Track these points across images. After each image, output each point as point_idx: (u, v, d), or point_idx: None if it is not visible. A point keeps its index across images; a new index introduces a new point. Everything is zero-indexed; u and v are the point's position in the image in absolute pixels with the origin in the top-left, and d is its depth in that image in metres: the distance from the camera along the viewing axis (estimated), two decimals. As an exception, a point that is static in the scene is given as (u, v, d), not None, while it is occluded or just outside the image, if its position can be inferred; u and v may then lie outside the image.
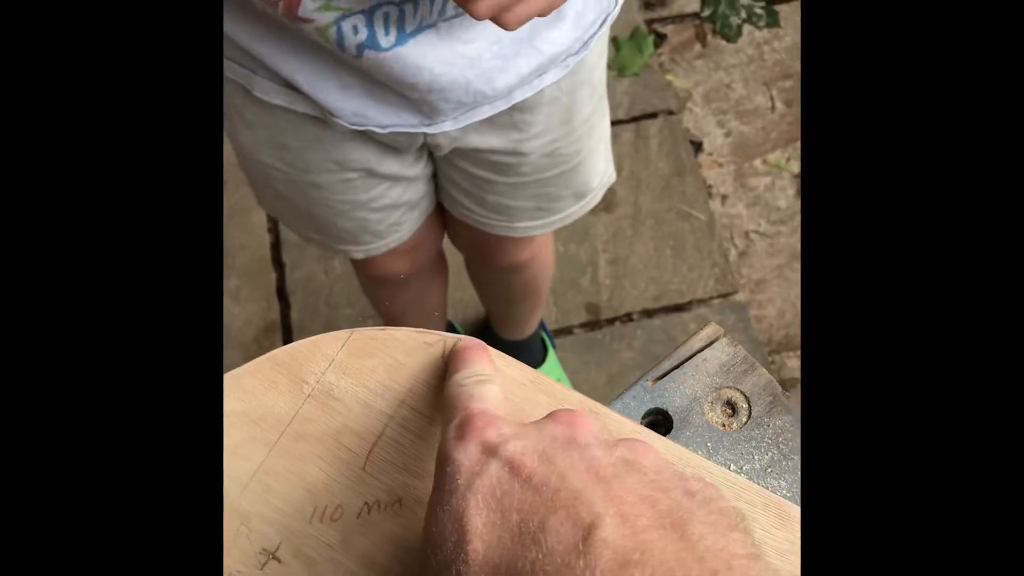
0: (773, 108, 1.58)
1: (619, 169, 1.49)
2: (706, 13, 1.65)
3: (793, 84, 1.59)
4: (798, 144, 1.54)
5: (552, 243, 1.03)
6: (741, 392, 0.42)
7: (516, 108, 0.68)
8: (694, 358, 0.44)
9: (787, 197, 1.50)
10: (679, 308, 1.39)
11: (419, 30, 0.59)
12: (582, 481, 0.28)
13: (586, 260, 1.41)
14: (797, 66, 1.61)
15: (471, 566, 0.27)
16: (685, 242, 1.44)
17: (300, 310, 1.37)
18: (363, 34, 0.57)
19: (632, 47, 1.59)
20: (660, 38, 1.63)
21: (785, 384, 1.35)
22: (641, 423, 0.43)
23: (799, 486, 0.41)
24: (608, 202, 1.46)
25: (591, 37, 0.67)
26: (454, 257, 1.06)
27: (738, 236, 1.46)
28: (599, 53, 0.72)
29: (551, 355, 1.28)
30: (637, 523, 0.26)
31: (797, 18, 1.66)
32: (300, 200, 0.78)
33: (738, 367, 0.43)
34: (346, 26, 0.57)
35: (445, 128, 0.67)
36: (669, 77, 1.59)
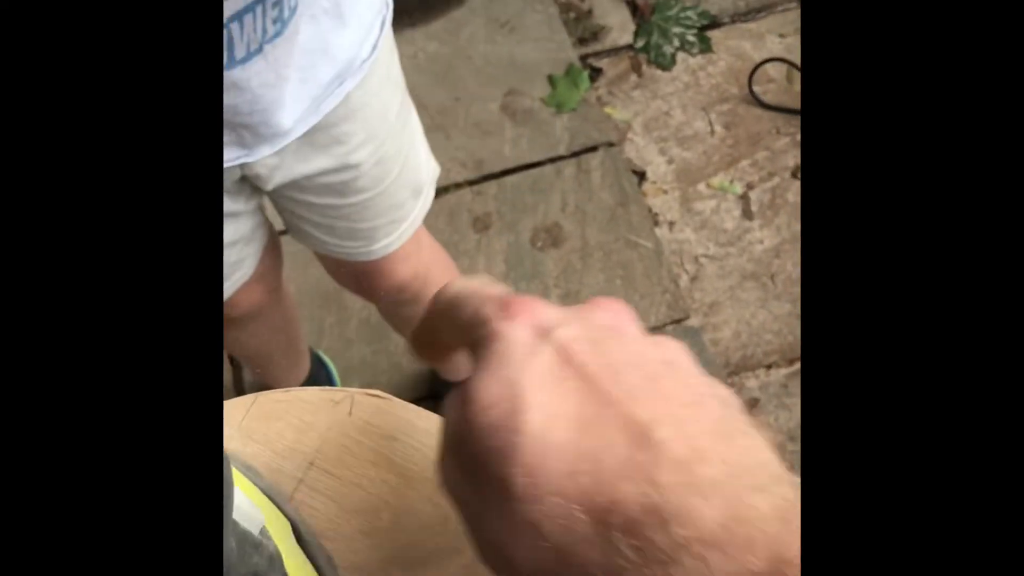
0: (713, 132, 1.60)
1: (564, 204, 1.49)
2: (639, 44, 1.68)
3: (730, 107, 1.62)
4: (740, 165, 1.56)
5: (442, 255, 1.03)
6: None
7: (331, 123, 0.71)
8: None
9: (733, 219, 1.51)
10: (634, 337, 1.39)
11: (248, 56, 0.61)
12: (634, 378, 0.26)
13: (539, 297, 1.41)
14: (733, 89, 1.63)
15: (526, 436, 0.24)
16: (634, 271, 1.44)
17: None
18: None
19: (568, 83, 1.60)
20: (596, 72, 1.64)
21: (746, 405, 1.35)
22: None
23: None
24: (555, 237, 1.47)
25: (377, 40, 0.71)
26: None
27: (688, 261, 1.47)
28: (389, 51, 0.77)
29: None
30: (688, 429, 0.24)
31: (729, 42, 1.68)
32: None
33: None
34: None
35: (263, 154, 0.69)
36: (607, 110, 1.60)
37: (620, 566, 0.23)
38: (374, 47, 0.71)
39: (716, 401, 0.26)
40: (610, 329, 0.28)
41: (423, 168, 0.87)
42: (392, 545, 0.37)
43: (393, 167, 0.81)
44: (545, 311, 0.28)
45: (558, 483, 0.24)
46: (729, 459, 0.24)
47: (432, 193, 0.90)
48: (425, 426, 0.40)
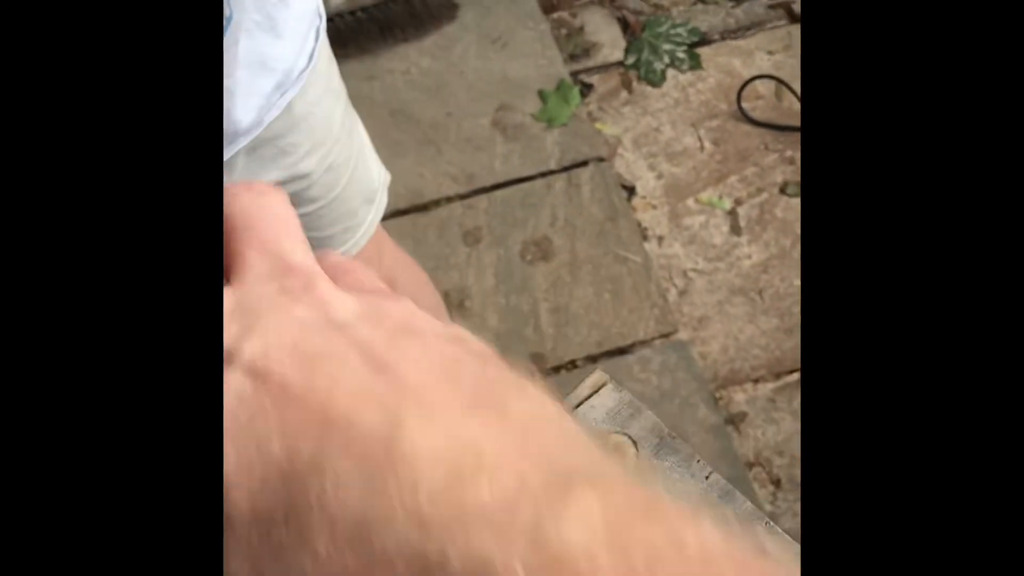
0: (702, 148, 1.61)
1: (554, 218, 1.51)
2: (630, 61, 1.69)
3: (719, 123, 1.63)
4: (729, 181, 1.57)
5: (407, 262, 1.04)
6: (628, 436, 0.43)
7: (276, 134, 0.73)
8: (581, 406, 0.44)
9: (722, 234, 1.52)
10: (622, 351, 1.40)
11: None
12: (358, 376, 0.21)
13: (528, 310, 1.42)
14: (722, 106, 1.65)
15: (237, 527, 0.20)
16: (623, 285, 1.45)
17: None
18: None
19: (558, 98, 1.62)
20: (586, 88, 1.66)
21: (734, 419, 1.36)
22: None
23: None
24: (545, 251, 1.48)
25: (313, 49, 0.73)
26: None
27: (677, 276, 1.48)
28: (327, 60, 0.78)
29: None
30: (448, 415, 0.20)
31: (719, 59, 1.70)
32: None
33: (624, 411, 0.44)
34: None
35: None
36: (598, 125, 1.62)
37: None
38: (311, 57, 0.73)
39: (469, 358, 0.22)
40: (316, 321, 0.22)
41: (374, 174, 0.89)
42: None
43: (343, 174, 0.82)
44: (227, 320, 0.22)
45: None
46: (507, 442, 0.19)
47: (385, 199, 0.91)
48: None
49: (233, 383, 0.21)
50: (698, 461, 0.42)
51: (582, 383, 0.45)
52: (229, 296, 0.23)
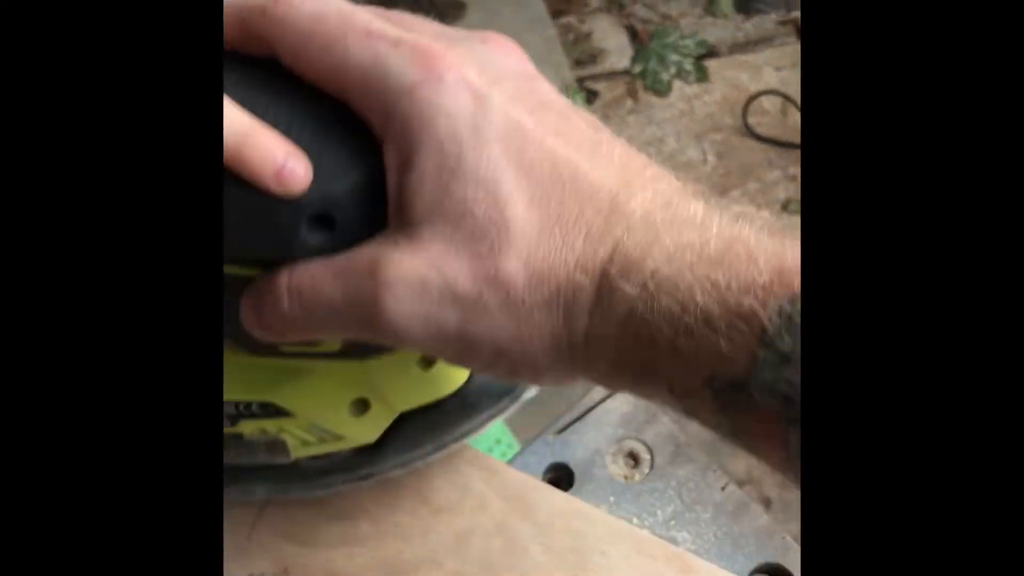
0: (705, 161, 1.61)
1: (555, 224, 1.49)
2: (637, 69, 1.69)
3: (723, 137, 1.62)
4: (731, 195, 1.57)
5: None
6: (643, 443, 0.42)
7: None
8: (595, 409, 0.43)
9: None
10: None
11: None
12: (572, 135, 0.27)
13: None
14: (727, 119, 1.64)
15: (513, 227, 0.24)
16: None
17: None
18: None
19: (564, 104, 1.61)
20: (592, 95, 1.65)
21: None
22: (543, 479, 0.42)
23: (702, 538, 0.40)
24: (544, 257, 1.46)
25: None
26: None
27: (675, 287, 1.47)
28: None
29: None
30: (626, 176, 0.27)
31: (725, 72, 1.70)
32: None
33: (639, 417, 0.42)
34: None
35: None
36: (602, 132, 1.61)
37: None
38: None
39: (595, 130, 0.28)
40: (521, 77, 0.27)
41: None
42: (370, 555, 0.37)
43: None
44: (465, 65, 0.25)
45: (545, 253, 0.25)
46: (655, 188, 0.27)
47: None
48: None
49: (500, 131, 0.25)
50: (714, 471, 0.41)
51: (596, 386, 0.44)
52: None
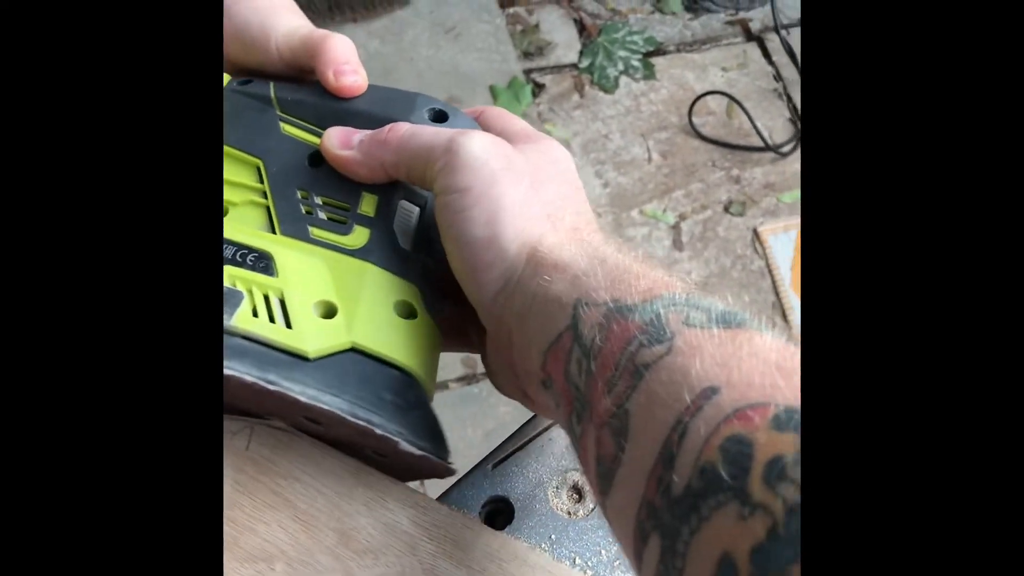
0: (650, 159, 1.59)
1: (497, 219, 1.46)
2: (584, 64, 1.66)
3: (669, 136, 1.61)
4: (674, 195, 1.55)
5: None
6: (588, 476, 0.39)
7: None
8: (538, 438, 0.40)
9: (664, 248, 1.50)
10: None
11: None
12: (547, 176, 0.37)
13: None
14: (673, 118, 1.63)
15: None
16: (563, 293, 1.42)
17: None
18: None
19: (510, 95, 1.58)
20: (538, 87, 1.62)
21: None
22: (481, 512, 0.38)
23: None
24: (485, 252, 1.43)
25: None
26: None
27: (616, 287, 1.45)
28: None
29: None
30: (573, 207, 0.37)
31: (673, 71, 1.68)
32: None
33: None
34: None
35: None
36: (547, 127, 1.58)
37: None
38: None
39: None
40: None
41: None
42: (284, 600, 0.33)
43: None
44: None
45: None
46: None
47: None
48: (331, 466, 0.36)
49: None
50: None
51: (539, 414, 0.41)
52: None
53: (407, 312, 0.36)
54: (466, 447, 1.24)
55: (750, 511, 0.21)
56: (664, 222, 1.53)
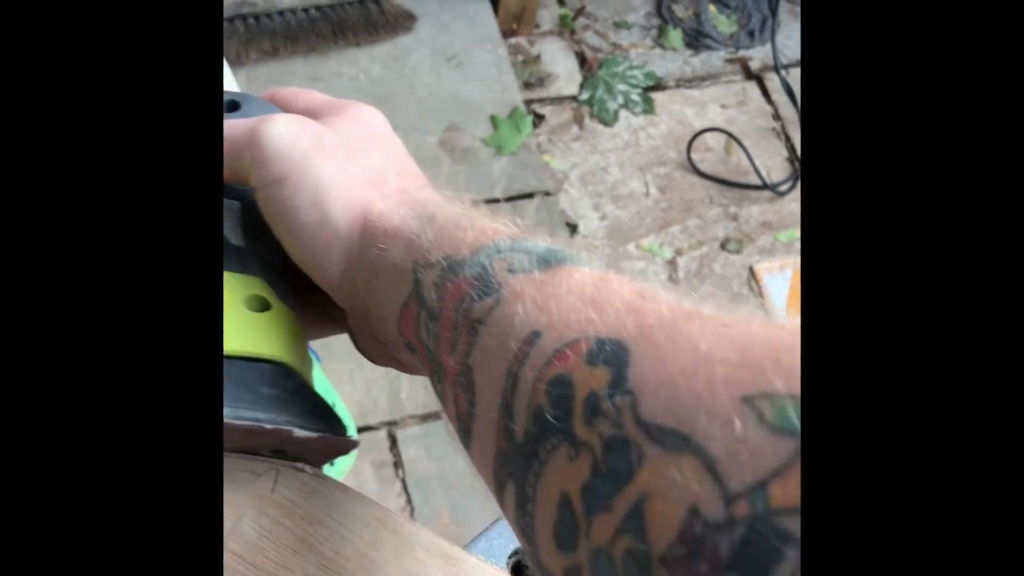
0: (647, 193, 1.59)
1: (494, 248, 1.45)
2: (584, 96, 1.66)
3: (667, 171, 1.61)
4: (671, 230, 1.55)
5: None
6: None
7: None
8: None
9: (660, 283, 1.50)
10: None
11: None
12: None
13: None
14: (671, 153, 1.63)
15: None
16: (559, 325, 1.41)
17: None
18: None
19: (511, 126, 1.57)
20: (539, 118, 1.62)
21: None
22: (508, 562, 0.37)
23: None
24: (482, 282, 1.43)
25: None
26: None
27: (612, 320, 1.45)
28: None
29: (316, 368, 1.21)
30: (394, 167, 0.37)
31: (672, 106, 1.69)
32: None
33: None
34: None
35: None
36: (546, 158, 1.58)
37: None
38: None
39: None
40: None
41: None
42: (308, 653, 0.32)
43: None
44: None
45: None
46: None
47: None
48: (359, 512, 0.35)
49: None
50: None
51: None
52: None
53: (260, 305, 0.35)
54: (456, 478, 1.22)
55: (576, 451, 0.22)
56: (661, 257, 1.53)
